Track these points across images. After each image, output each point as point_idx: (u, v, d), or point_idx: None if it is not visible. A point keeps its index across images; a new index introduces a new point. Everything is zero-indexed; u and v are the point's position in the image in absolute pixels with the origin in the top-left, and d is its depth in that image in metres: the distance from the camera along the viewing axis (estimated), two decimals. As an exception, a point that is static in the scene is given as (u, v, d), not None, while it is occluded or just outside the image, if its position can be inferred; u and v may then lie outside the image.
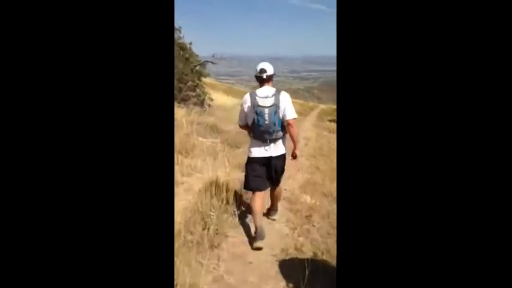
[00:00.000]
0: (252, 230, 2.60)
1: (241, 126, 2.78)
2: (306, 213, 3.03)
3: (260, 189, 2.66)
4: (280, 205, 3.10)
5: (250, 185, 2.67)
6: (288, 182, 3.87)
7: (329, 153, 5.92)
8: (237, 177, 3.58)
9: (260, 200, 2.64)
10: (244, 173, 2.78)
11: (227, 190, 3.02)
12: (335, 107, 16.66)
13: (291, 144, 2.61)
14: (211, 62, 10.34)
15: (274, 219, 2.97)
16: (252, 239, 2.52)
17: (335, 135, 8.35)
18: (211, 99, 9.81)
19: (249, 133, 2.67)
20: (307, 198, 3.37)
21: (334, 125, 10.12)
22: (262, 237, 2.47)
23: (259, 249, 2.43)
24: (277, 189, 2.88)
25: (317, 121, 12.79)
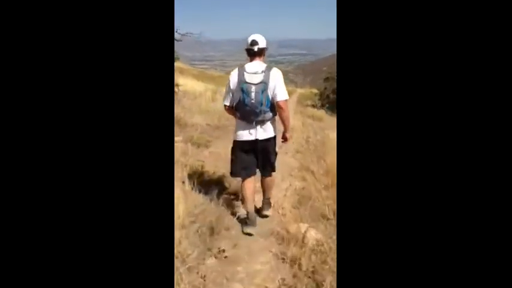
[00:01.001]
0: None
1: (227, 108, 2.40)
2: (304, 259, 1.99)
3: (248, 175, 2.43)
4: (269, 244, 2.25)
5: (236, 170, 2.44)
6: (274, 197, 2.84)
7: (319, 148, 4.92)
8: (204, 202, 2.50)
9: (250, 185, 2.43)
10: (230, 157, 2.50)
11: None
12: (313, 90, 15.77)
13: (282, 126, 2.38)
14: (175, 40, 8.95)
15: (267, 216, 2.58)
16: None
17: (321, 124, 7.47)
18: (178, 85, 8.53)
19: (235, 114, 2.37)
20: (301, 228, 2.30)
21: (316, 111, 9.15)
22: (253, 224, 2.35)
23: (250, 235, 2.30)
24: (268, 178, 2.54)
25: (298, 107, 11.78)
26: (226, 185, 3.10)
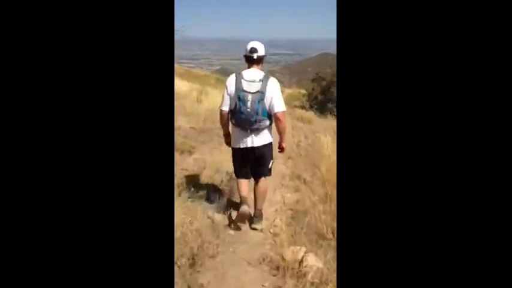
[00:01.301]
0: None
1: (221, 113, 2.36)
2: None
3: (245, 177, 2.49)
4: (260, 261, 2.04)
5: (237, 174, 2.51)
6: (265, 211, 2.54)
7: (311, 154, 4.65)
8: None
9: (245, 183, 2.47)
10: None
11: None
12: (301, 91, 15.56)
13: (278, 135, 2.36)
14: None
15: (257, 229, 2.42)
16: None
17: (311, 126, 7.22)
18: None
19: (226, 122, 2.39)
20: (297, 254, 1.99)
21: (305, 113, 8.91)
22: (244, 204, 2.38)
23: (238, 229, 2.36)
24: (261, 185, 2.48)
25: (286, 108, 11.40)
26: (213, 198, 2.79)
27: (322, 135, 6.17)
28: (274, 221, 2.45)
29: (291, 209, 2.74)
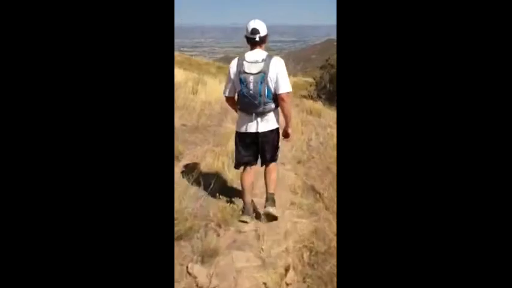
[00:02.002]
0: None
1: (227, 99, 2.31)
2: None
3: (249, 165, 2.34)
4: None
5: (238, 161, 2.37)
6: (271, 252, 1.81)
7: (324, 155, 3.88)
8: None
9: (248, 176, 2.34)
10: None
11: None
12: (308, 79, 14.68)
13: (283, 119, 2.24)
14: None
15: (270, 214, 2.22)
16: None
17: (321, 120, 6.43)
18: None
19: (234, 106, 2.31)
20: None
21: (313, 104, 8.06)
22: (249, 213, 2.25)
23: (245, 222, 2.19)
24: (271, 168, 2.35)
25: (293, 98, 10.60)
26: (203, 223, 2.06)
27: (335, 131, 5.43)
28: (286, 274, 1.70)
29: (307, 246, 2.00)
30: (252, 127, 2.22)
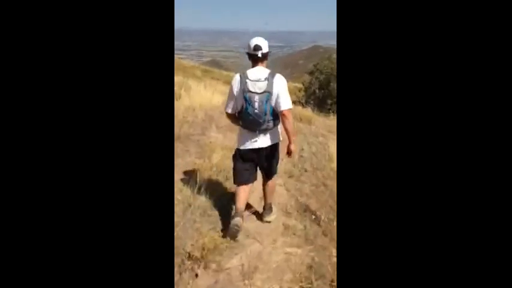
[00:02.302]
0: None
1: (228, 115, 2.29)
2: None
3: (247, 183, 2.34)
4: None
5: (238, 179, 2.34)
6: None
7: (317, 169, 3.56)
8: None
9: (244, 189, 2.33)
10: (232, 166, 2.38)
11: None
12: (297, 85, 14.46)
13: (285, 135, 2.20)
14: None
15: (269, 221, 2.42)
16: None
17: (312, 128, 6.13)
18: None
19: (236, 122, 2.31)
20: None
21: (302, 110, 7.78)
22: (239, 217, 2.19)
23: (237, 227, 2.14)
24: (270, 183, 2.42)
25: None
26: (178, 260, 1.68)
27: (329, 139, 5.14)
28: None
29: (304, 288, 1.65)
30: (255, 144, 2.25)
